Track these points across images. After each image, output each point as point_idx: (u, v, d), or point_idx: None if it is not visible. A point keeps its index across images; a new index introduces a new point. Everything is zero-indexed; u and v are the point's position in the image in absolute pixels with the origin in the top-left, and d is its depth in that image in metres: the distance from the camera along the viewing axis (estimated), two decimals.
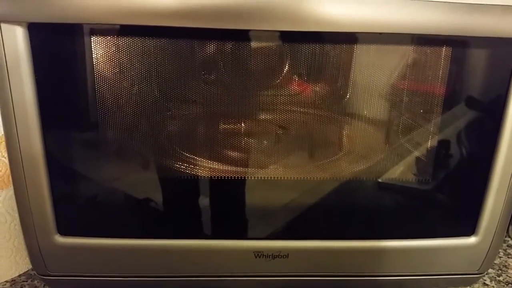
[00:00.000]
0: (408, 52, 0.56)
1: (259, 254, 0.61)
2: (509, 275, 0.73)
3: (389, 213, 0.63)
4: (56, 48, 0.51)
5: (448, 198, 0.63)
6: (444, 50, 0.55)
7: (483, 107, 0.57)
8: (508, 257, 0.78)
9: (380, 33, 0.51)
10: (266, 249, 0.61)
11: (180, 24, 0.48)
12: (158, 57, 0.53)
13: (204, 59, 0.54)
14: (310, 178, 0.62)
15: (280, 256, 0.61)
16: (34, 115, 0.52)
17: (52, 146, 0.54)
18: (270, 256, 0.61)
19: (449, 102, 0.57)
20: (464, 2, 0.48)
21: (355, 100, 0.59)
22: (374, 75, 0.57)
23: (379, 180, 0.62)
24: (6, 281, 0.68)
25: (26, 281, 0.69)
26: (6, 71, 0.50)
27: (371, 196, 0.63)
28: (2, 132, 0.54)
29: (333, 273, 0.64)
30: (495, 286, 0.71)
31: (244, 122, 0.59)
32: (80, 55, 0.52)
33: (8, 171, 0.59)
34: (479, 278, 0.67)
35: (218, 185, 0.60)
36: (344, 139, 0.62)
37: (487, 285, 0.71)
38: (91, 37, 0.51)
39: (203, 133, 0.60)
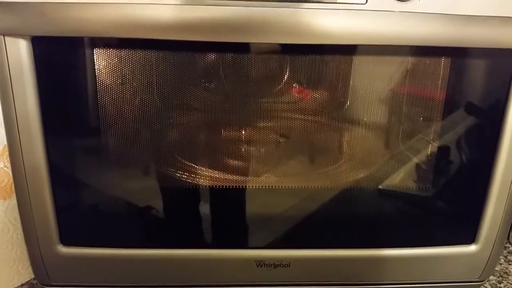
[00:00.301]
0: (407, 62, 0.56)
1: (260, 263, 0.61)
2: (510, 282, 0.73)
3: (389, 221, 0.63)
4: (59, 60, 0.51)
5: (448, 205, 0.63)
6: (443, 60, 0.55)
7: (482, 115, 0.57)
8: (509, 264, 0.78)
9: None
10: (268, 258, 0.61)
11: (181, 37, 0.48)
12: (159, 67, 0.54)
13: (205, 68, 0.55)
14: (311, 186, 0.62)
15: (281, 265, 0.61)
16: (37, 126, 0.52)
17: (54, 156, 0.55)
18: (272, 265, 0.61)
19: (449, 110, 0.58)
20: (463, 14, 0.49)
21: (355, 108, 0.59)
22: (374, 84, 0.57)
23: (380, 187, 0.62)
24: None
25: None
26: (10, 82, 0.50)
27: (371, 203, 0.63)
28: (5, 142, 0.54)
29: (334, 282, 0.64)
30: None
31: (245, 131, 0.59)
32: (83, 66, 0.52)
33: (11, 181, 0.59)
34: (480, 285, 0.67)
35: (219, 194, 0.60)
36: (345, 147, 0.62)
37: None
38: (93, 49, 0.51)
39: (204, 141, 0.60)
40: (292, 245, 0.62)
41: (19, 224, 0.59)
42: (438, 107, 0.58)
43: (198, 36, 0.48)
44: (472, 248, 0.62)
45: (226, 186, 0.60)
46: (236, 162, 0.60)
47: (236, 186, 0.60)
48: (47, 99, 0.52)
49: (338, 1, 0.48)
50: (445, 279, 0.65)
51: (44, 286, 0.62)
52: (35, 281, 0.69)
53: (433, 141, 0.60)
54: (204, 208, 0.62)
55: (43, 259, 0.59)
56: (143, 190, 0.61)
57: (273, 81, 0.56)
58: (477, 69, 0.55)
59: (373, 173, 0.62)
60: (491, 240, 0.62)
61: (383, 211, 0.64)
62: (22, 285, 0.70)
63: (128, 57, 0.53)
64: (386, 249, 0.62)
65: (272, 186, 0.61)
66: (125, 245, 0.60)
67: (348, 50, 0.54)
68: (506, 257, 0.80)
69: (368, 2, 0.48)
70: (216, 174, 0.60)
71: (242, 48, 0.53)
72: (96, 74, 0.53)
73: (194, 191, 0.61)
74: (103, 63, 0.52)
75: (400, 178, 0.62)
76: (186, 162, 0.60)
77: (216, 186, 0.60)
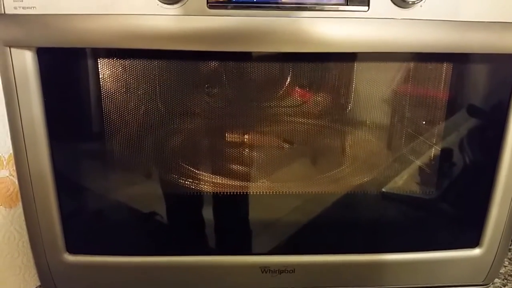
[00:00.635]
0: (410, 67, 0.56)
1: (265, 269, 0.61)
2: None
3: (393, 225, 0.64)
4: (64, 70, 0.52)
5: (452, 209, 0.63)
6: (446, 65, 0.56)
7: (485, 119, 0.57)
8: None
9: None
10: (273, 264, 0.61)
11: (184, 48, 0.49)
12: (163, 75, 0.54)
13: (208, 75, 0.55)
14: (314, 191, 0.62)
15: (286, 271, 0.61)
16: (42, 135, 0.53)
17: (60, 164, 0.55)
18: (277, 271, 0.61)
19: (451, 114, 0.58)
20: (464, 20, 0.49)
21: (358, 113, 0.59)
22: (377, 89, 0.58)
23: (383, 191, 0.62)
24: None
25: None
26: (15, 93, 0.51)
27: (375, 207, 0.64)
28: (11, 151, 0.55)
29: (339, 287, 0.64)
30: None
31: (248, 137, 0.60)
32: (87, 76, 0.53)
33: (17, 189, 0.59)
34: None
35: (223, 200, 0.61)
36: (348, 151, 0.62)
37: None
38: (97, 59, 0.52)
39: (208, 147, 0.61)
40: (297, 251, 0.62)
41: (25, 232, 0.59)
42: (440, 111, 0.58)
43: (201, 46, 0.49)
44: (476, 251, 0.62)
45: (229, 192, 0.60)
46: (239, 167, 0.61)
47: (239, 192, 0.60)
48: (52, 108, 0.52)
49: (340, 9, 0.48)
50: (450, 283, 0.65)
51: None
52: None
53: (436, 145, 0.60)
54: (209, 215, 0.62)
55: (50, 267, 0.60)
56: (147, 197, 0.61)
57: (275, 87, 0.57)
58: (479, 74, 0.56)
59: (377, 177, 0.62)
60: (495, 243, 0.62)
61: (387, 215, 0.64)
62: None
63: (132, 66, 0.53)
64: (390, 254, 0.62)
65: (275, 192, 0.61)
66: (130, 253, 0.60)
67: (350, 57, 0.55)
68: (510, 259, 0.80)
69: (370, 9, 0.48)
70: (220, 180, 0.61)
71: (245, 56, 0.53)
72: (101, 83, 0.53)
73: (198, 198, 0.61)
74: (107, 72, 0.53)
75: (403, 181, 0.62)
76: (190, 169, 0.60)
77: (220, 192, 0.60)
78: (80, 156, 0.57)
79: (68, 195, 0.57)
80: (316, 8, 0.48)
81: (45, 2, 0.47)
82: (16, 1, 0.46)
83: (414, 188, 0.63)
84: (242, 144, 0.60)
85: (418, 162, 0.62)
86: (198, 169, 0.61)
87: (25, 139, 0.53)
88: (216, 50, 0.50)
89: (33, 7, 0.47)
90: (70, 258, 0.59)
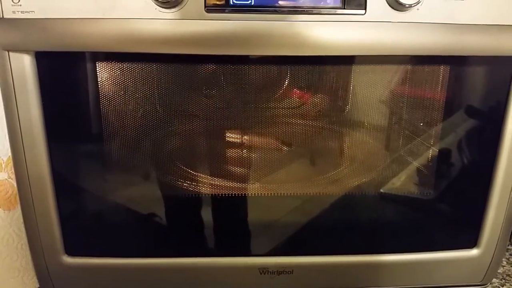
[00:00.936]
0: (407, 69, 0.57)
1: (264, 270, 0.61)
2: None
3: (391, 226, 0.64)
4: (62, 74, 0.52)
5: (449, 209, 0.63)
6: (443, 68, 0.56)
7: (482, 120, 0.58)
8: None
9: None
10: (271, 265, 0.61)
11: (182, 51, 0.49)
12: (161, 78, 0.55)
13: (206, 78, 0.55)
14: (313, 192, 0.62)
15: (285, 272, 0.61)
16: (41, 138, 0.53)
17: (58, 167, 0.55)
18: (275, 273, 0.61)
19: (449, 115, 0.58)
20: (461, 23, 0.49)
21: (356, 114, 0.60)
22: (374, 91, 0.58)
23: (381, 192, 0.62)
24: None
25: None
26: (14, 96, 0.51)
27: (373, 209, 0.64)
28: (10, 154, 0.55)
29: None
30: None
31: (246, 138, 0.60)
32: (86, 80, 0.53)
33: (15, 192, 0.59)
34: None
35: (222, 201, 0.61)
36: (346, 152, 0.62)
37: None
38: (96, 62, 0.52)
39: (206, 149, 0.61)
40: (295, 252, 0.62)
41: (23, 235, 0.59)
42: (438, 113, 0.58)
43: (199, 49, 0.49)
44: (474, 252, 0.63)
45: (227, 193, 0.60)
46: (237, 169, 0.61)
47: (237, 193, 0.61)
48: (51, 111, 0.52)
49: (337, 12, 0.48)
50: (448, 284, 0.65)
51: None
52: None
53: (433, 146, 0.61)
54: (207, 216, 0.62)
55: (48, 269, 0.60)
56: (146, 199, 0.61)
57: (273, 89, 0.57)
58: (476, 76, 0.56)
59: (375, 178, 0.62)
60: (492, 243, 0.62)
61: (385, 216, 0.64)
62: None
63: (130, 70, 0.53)
64: (388, 255, 0.62)
65: (273, 193, 0.61)
66: (128, 255, 0.60)
67: (348, 59, 0.55)
68: (508, 259, 0.80)
69: (367, 13, 0.48)
70: (218, 181, 0.61)
71: (243, 59, 0.53)
72: (99, 87, 0.53)
73: (196, 199, 0.61)
74: (106, 75, 0.53)
75: (401, 182, 0.63)
76: (189, 170, 0.61)
77: (218, 193, 0.61)
78: (79, 158, 0.57)
79: (66, 198, 0.57)
80: (314, 12, 0.48)
81: (43, 6, 0.47)
82: (14, 5, 0.46)
83: (412, 189, 0.63)
84: (240, 146, 0.60)
85: (416, 163, 0.62)
86: (196, 171, 0.61)
87: (24, 142, 0.53)
88: (213, 53, 0.50)
89: (32, 11, 0.47)
90: (69, 260, 0.59)
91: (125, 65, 0.53)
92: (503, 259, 0.80)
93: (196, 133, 0.59)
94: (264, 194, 0.61)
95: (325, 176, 0.63)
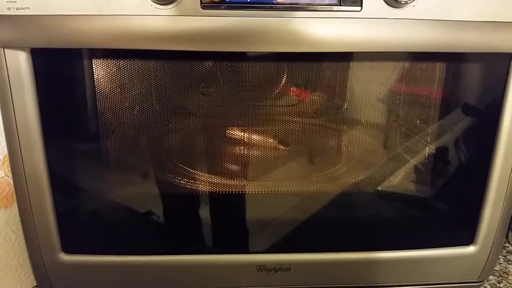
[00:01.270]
0: (404, 66, 0.57)
1: (261, 267, 0.61)
2: (509, 281, 0.74)
3: (388, 223, 0.64)
4: (58, 71, 0.52)
5: (446, 207, 0.63)
6: (439, 65, 0.56)
7: (478, 117, 0.58)
8: (508, 264, 0.79)
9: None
10: (268, 262, 0.61)
11: (179, 48, 0.49)
12: (158, 75, 0.55)
13: (203, 75, 0.55)
14: (310, 189, 0.62)
15: (282, 270, 0.61)
16: (37, 135, 0.53)
17: (55, 164, 0.55)
18: (272, 270, 0.61)
19: (445, 113, 0.58)
20: (457, 19, 0.49)
21: (353, 112, 0.60)
22: (371, 89, 0.58)
23: (378, 189, 0.62)
24: None
25: None
26: (10, 93, 0.51)
27: (370, 206, 0.64)
28: (6, 152, 0.55)
29: (334, 285, 0.64)
30: None
31: (244, 136, 0.60)
32: (82, 76, 0.53)
33: (12, 189, 0.59)
34: (479, 286, 0.68)
35: (219, 199, 0.61)
36: (343, 149, 0.62)
37: None
38: (92, 59, 0.52)
39: (203, 147, 0.61)
40: (292, 249, 0.62)
41: (21, 233, 0.59)
42: (434, 110, 0.58)
43: (195, 46, 0.49)
44: (470, 249, 0.63)
45: (225, 191, 0.60)
46: (234, 167, 0.61)
47: (235, 191, 0.61)
48: (47, 109, 0.52)
49: (333, 9, 0.48)
50: (445, 280, 0.65)
51: None
52: None
53: (430, 143, 0.61)
54: (204, 214, 0.62)
55: (45, 267, 0.60)
56: (143, 197, 0.61)
57: (271, 87, 0.57)
58: (472, 73, 0.56)
59: (372, 176, 0.62)
60: (489, 240, 0.62)
61: (382, 214, 0.64)
62: None
63: (127, 66, 0.53)
64: (385, 252, 0.62)
65: (271, 191, 0.61)
66: (125, 252, 0.60)
67: (344, 56, 0.55)
68: (505, 256, 0.81)
69: (363, 9, 0.48)
70: (215, 179, 0.61)
71: (240, 56, 0.53)
72: (95, 84, 0.53)
73: (193, 197, 0.61)
74: (102, 72, 0.53)
75: (398, 180, 0.63)
76: (186, 168, 0.61)
77: (215, 191, 0.61)
78: (75, 156, 0.57)
79: (63, 195, 0.57)
80: (310, 8, 0.48)
81: (39, 3, 0.47)
82: (9, 1, 0.46)
83: (409, 187, 0.63)
84: (237, 143, 0.60)
85: (413, 161, 0.62)
86: (193, 169, 0.61)
87: (20, 140, 0.53)
88: (210, 50, 0.50)
89: (27, 8, 0.47)
90: (66, 257, 0.59)
91: (121, 62, 0.53)
92: (500, 256, 0.80)
93: (193, 130, 0.59)
94: (262, 191, 0.61)
95: (322, 174, 0.63)
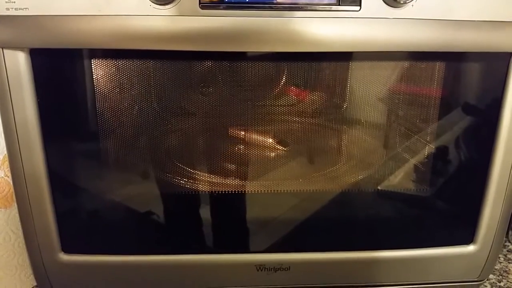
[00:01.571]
0: (403, 66, 0.57)
1: (261, 267, 0.61)
2: (510, 280, 0.74)
3: (388, 222, 0.64)
4: (57, 71, 0.52)
5: (446, 206, 0.63)
6: (438, 64, 0.56)
7: (478, 117, 0.58)
8: (509, 263, 0.79)
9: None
10: (268, 262, 0.61)
11: (178, 48, 0.49)
12: (157, 75, 0.54)
13: (202, 75, 0.55)
14: (310, 189, 0.62)
15: (281, 269, 0.62)
16: (36, 135, 0.53)
17: (54, 164, 0.55)
18: (272, 269, 0.61)
19: (445, 112, 0.58)
20: (456, 19, 0.49)
21: (352, 111, 0.60)
22: (371, 88, 0.58)
23: (378, 189, 0.62)
24: None
25: None
26: (8, 94, 0.51)
27: (370, 205, 0.64)
28: (5, 152, 0.55)
29: (334, 284, 0.64)
30: None
31: (243, 135, 0.60)
32: (81, 77, 0.53)
33: (12, 190, 0.59)
34: (479, 285, 0.68)
35: (218, 199, 0.61)
36: (344, 149, 0.62)
37: None
38: (91, 59, 0.52)
39: (203, 147, 0.61)
40: (292, 249, 0.62)
41: (20, 233, 0.59)
42: (434, 109, 0.58)
43: (194, 46, 0.49)
44: (470, 248, 0.63)
45: (224, 191, 0.60)
46: (234, 166, 0.61)
47: (234, 190, 0.61)
48: (46, 109, 0.52)
49: (332, 9, 0.48)
50: (445, 279, 0.65)
51: None
52: None
53: (430, 143, 0.61)
54: (204, 213, 0.62)
55: (45, 267, 0.60)
56: (142, 197, 0.61)
57: (270, 87, 0.57)
58: (472, 72, 0.56)
59: (372, 175, 0.62)
60: (489, 239, 0.62)
61: (382, 213, 0.64)
62: None
63: (126, 67, 0.53)
64: (385, 251, 0.62)
65: (271, 190, 0.61)
66: (125, 252, 0.60)
67: (344, 56, 0.55)
68: (505, 255, 0.81)
69: (362, 9, 0.48)
70: (215, 179, 0.61)
71: (239, 56, 0.53)
72: (94, 84, 0.53)
73: (193, 197, 0.61)
74: (101, 72, 0.53)
75: (398, 179, 0.63)
76: (185, 168, 0.61)
77: (214, 191, 0.61)
78: (75, 156, 0.57)
79: (62, 195, 0.57)
80: (308, 8, 0.48)
81: (37, 3, 0.47)
82: (8, 2, 0.46)
83: (409, 186, 0.63)
84: (237, 143, 0.60)
85: (412, 160, 0.62)
86: (193, 168, 0.61)
87: (19, 140, 0.53)
88: (208, 50, 0.50)
89: (26, 8, 0.47)
90: (66, 257, 0.59)
91: (120, 62, 0.53)
92: (500, 255, 0.80)
93: (193, 130, 0.59)
94: (261, 191, 0.61)
95: (322, 173, 0.63)
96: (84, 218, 0.60)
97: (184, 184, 0.60)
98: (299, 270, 0.62)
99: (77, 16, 0.47)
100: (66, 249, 0.59)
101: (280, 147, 0.61)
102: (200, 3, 0.47)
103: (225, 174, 0.61)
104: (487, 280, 0.72)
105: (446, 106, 0.58)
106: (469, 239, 0.63)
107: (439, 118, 0.59)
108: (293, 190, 0.62)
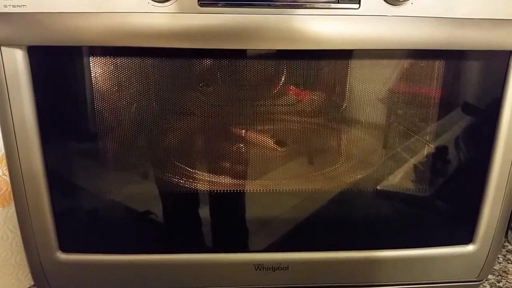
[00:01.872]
0: (402, 64, 0.56)
1: (259, 266, 0.61)
2: (509, 280, 0.74)
3: (387, 222, 0.64)
4: (55, 69, 0.51)
5: (445, 206, 0.63)
6: (438, 62, 0.56)
7: (477, 116, 0.57)
8: (508, 263, 0.78)
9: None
10: (266, 261, 0.61)
11: (177, 45, 0.49)
12: (156, 73, 0.54)
13: (202, 73, 0.55)
14: (309, 188, 0.62)
15: (280, 268, 0.61)
16: (34, 133, 0.53)
17: (52, 163, 0.55)
18: (270, 269, 0.61)
19: (444, 111, 0.58)
20: (455, 17, 0.49)
21: (352, 110, 0.60)
22: (370, 87, 0.58)
23: (378, 188, 0.62)
24: None
25: None
26: (6, 92, 0.51)
27: (369, 205, 0.64)
28: (3, 151, 0.54)
29: (332, 284, 0.64)
30: None
31: (243, 135, 0.60)
32: (79, 75, 0.52)
33: (9, 188, 0.59)
34: (478, 285, 0.68)
35: (217, 198, 0.61)
36: (343, 149, 0.62)
37: None
38: (89, 57, 0.52)
39: (202, 146, 0.61)
40: (291, 248, 0.62)
41: (18, 232, 0.59)
42: (433, 108, 0.58)
43: (193, 43, 0.49)
44: (470, 248, 0.63)
45: (223, 190, 0.60)
46: (233, 166, 0.61)
47: (233, 190, 0.60)
48: (44, 107, 0.52)
49: (332, 7, 0.48)
50: (444, 279, 0.65)
51: None
52: None
53: (429, 142, 0.61)
54: (203, 213, 0.62)
55: (43, 266, 0.60)
56: (141, 196, 0.61)
57: (270, 85, 0.57)
58: (471, 70, 0.56)
59: (371, 175, 0.62)
60: (488, 239, 0.62)
61: (381, 212, 0.64)
62: None
63: (124, 65, 0.53)
64: (384, 251, 0.62)
65: (270, 190, 0.61)
66: (123, 251, 0.60)
67: (343, 54, 0.55)
68: (505, 256, 0.81)
69: (361, 7, 0.48)
70: (214, 178, 0.61)
71: (239, 53, 0.53)
72: (93, 82, 0.53)
73: (192, 196, 0.61)
74: (99, 70, 0.53)
75: (397, 179, 0.63)
76: (184, 167, 0.60)
77: (213, 190, 0.60)
78: (73, 155, 0.57)
79: (60, 194, 0.57)
80: (308, 6, 0.48)
81: (35, 0, 0.46)
82: None
83: (408, 186, 0.63)
84: (236, 142, 0.60)
85: (412, 160, 0.62)
86: (192, 168, 0.61)
87: (17, 138, 0.53)
88: (207, 47, 0.50)
89: (23, 5, 0.46)
90: (63, 256, 0.59)
91: (119, 60, 0.52)
92: (499, 256, 0.80)
93: (192, 129, 0.59)
94: (261, 190, 0.61)
95: (321, 173, 0.63)
96: (82, 217, 0.60)
97: (183, 183, 0.60)
98: (298, 270, 0.62)
99: (75, 13, 0.47)
100: (64, 248, 0.59)
101: (279, 147, 0.61)
102: (198, 0, 0.47)
103: (224, 173, 0.60)
104: (486, 280, 0.72)
105: (445, 105, 0.58)
106: (468, 239, 0.62)
107: (439, 117, 0.58)
108: (292, 189, 0.62)
